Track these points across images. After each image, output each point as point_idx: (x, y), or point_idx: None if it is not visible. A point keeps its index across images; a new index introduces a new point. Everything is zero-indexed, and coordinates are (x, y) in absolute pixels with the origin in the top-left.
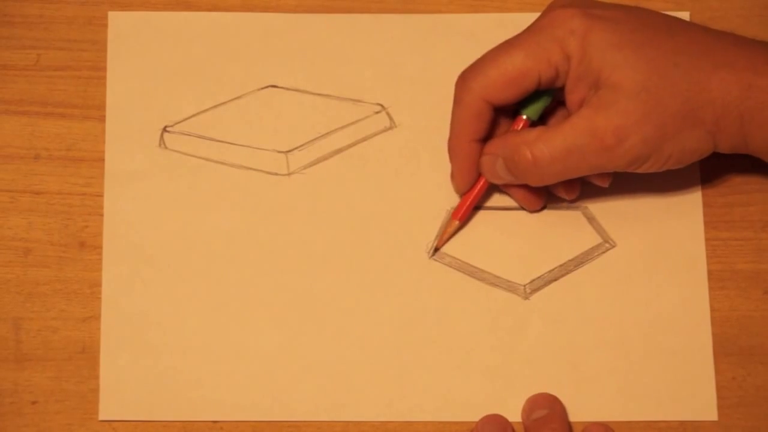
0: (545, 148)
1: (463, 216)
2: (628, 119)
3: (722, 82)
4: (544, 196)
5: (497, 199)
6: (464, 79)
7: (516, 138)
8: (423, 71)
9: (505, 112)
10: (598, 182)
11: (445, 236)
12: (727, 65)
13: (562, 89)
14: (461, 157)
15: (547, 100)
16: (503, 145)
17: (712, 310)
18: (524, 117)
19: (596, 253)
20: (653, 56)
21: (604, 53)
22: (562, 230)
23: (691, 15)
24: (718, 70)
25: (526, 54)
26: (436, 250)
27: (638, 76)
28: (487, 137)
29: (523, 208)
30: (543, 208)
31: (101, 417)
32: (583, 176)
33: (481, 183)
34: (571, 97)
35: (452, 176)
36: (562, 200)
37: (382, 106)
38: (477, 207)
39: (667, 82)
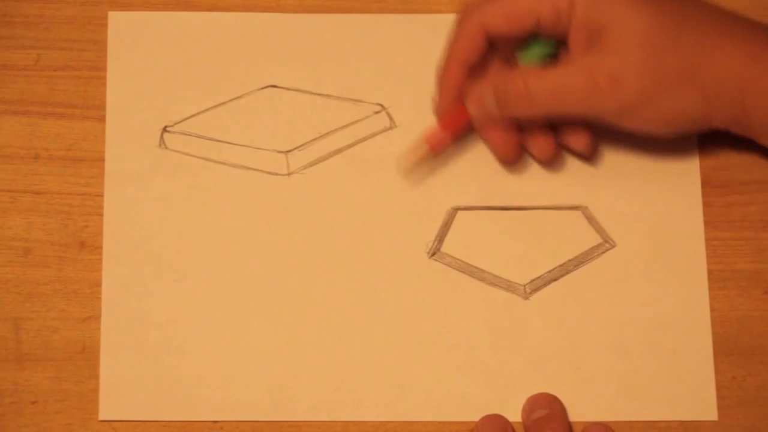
0: (539, 80)
1: (438, 145)
2: (627, 66)
3: (726, 49)
4: (520, 149)
5: (497, 199)
6: (467, 6)
7: (510, 71)
8: (423, 71)
9: (500, 59)
10: (578, 146)
11: (411, 158)
12: (732, 35)
13: (560, 44)
14: (448, 81)
15: (544, 49)
16: (496, 77)
17: (712, 310)
18: (519, 62)
19: (596, 253)
20: (661, 13)
21: (612, 2)
22: (562, 230)
23: None
24: (723, 37)
25: None
26: (405, 163)
27: (643, 28)
28: (476, 68)
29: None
30: (516, 158)
31: (101, 417)
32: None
33: (463, 115)
34: (574, 43)
35: (435, 102)
36: (562, 204)
37: (382, 106)
38: (478, 207)
39: (670, 39)
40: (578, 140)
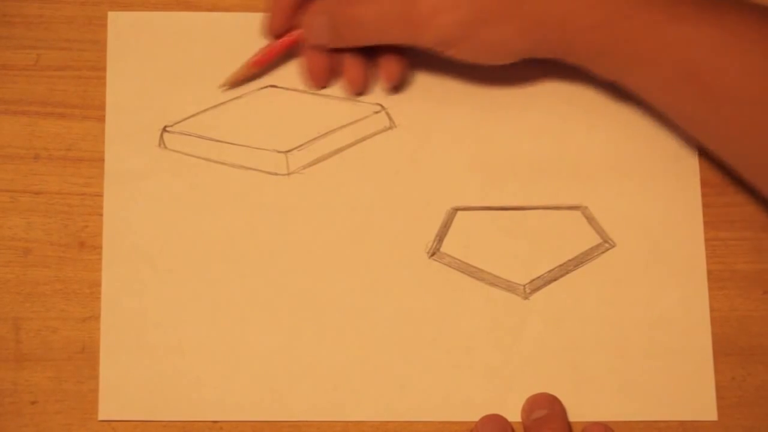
0: (365, 6)
1: (261, 62)
2: None
3: None
4: (332, 73)
5: (497, 199)
6: None
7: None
8: (423, 71)
9: None
10: (387, 77)
11: (237, 77)
12: None
13: None
14: (280, 4)
15: None
16: (327, 1)
17: (712, 310)
18: None
19: (596, 253)
20: None
21: None
22: (562, 230)
23: None
24: None
25: None
26: (223, 85)
27: None
28: None
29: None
30: (327, 83)
31: (101, 417)
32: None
33: (294, 36)
34: None
35: (266, 21)
36: (562, 204)
37: (382, 106)
38: (478, 207)
39: None
40: (388, 70)
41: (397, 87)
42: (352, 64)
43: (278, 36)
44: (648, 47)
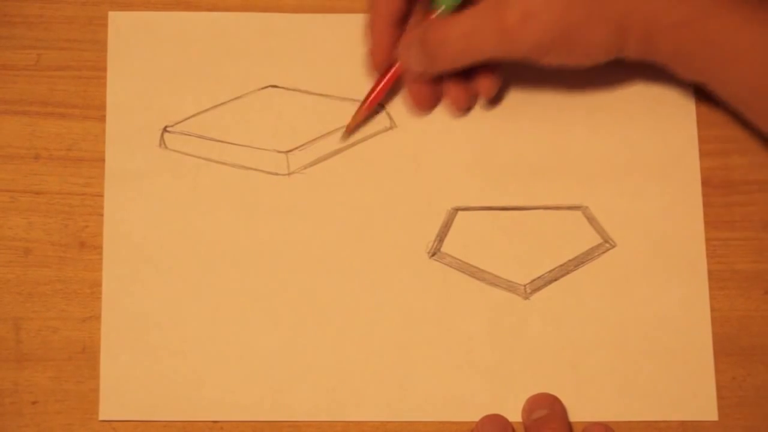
0: (452, 26)
1: (375, 101)
2: (531, 4)
3: None
4: (437, 98)
5: (497, 199)
6: None
7: (429, 21)
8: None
9: (422, 8)
10: (485, 91)
11: (356, 122)
12: None
13: None
14: (377, 38)
15: None
16: (416, 30)
17: (712, 310)
18: (439, 9)
19: (596, 253)
20: None
21: None
22: (562, 230)
23: None
24: None
25: None
26: (349, 127)
27: None
28: (401, 27)
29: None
30: (432, 108)
31: (101, 417)
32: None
33: (397, 70)
34: None
35: (368, 55)
36: (562, 204)
37: (382, 106)
38: (478, 207)
39: None
40: (485, 84)
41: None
42: (452, 86)
43: (381, 70)
44: (731, 48)
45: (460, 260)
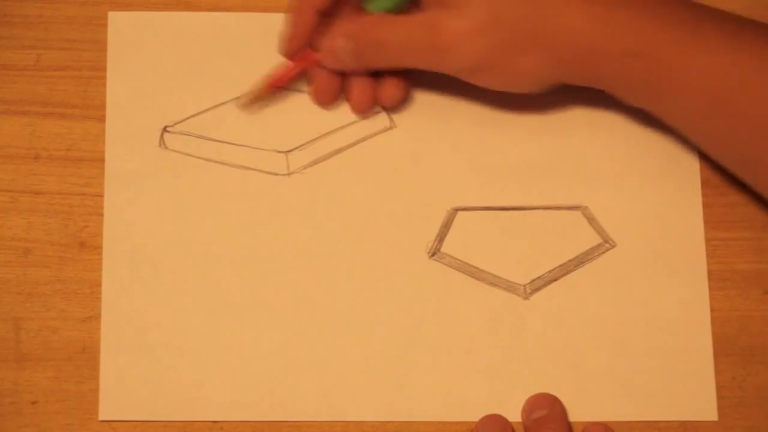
0: (389, 28)
1: (277, 84)
2: (467, 26)
3: (571, 13)
4: (339, 93)
5: (497, 199)
6: None
7: (364, 18)
8: (423, 71)
9: (351, 6)
10: (387, 100)
11: (252, 97)
12: (580, 1)
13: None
14: (297, 20)
15: (390, 1)
16: (350, 25)
17: (712, 310)
18: (373, 9)
19: (596, 253)
20: None
21: None
22: (562, 230)
23: None
24: (571, 3)
25: None
26: (245, 99)
27: None
28: (327, 13)
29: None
30: (333, 103)
31: (101, 417)
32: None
33: (310, 59)
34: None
35: (283, 40)
36: (562, 204)
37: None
38: (478, 207)
39: (514, 3)
40: (390, 92)
41: (394, 107)
42: (359, 86)
43: (292, 56)
44: (674, 76)
45: (459, 260)
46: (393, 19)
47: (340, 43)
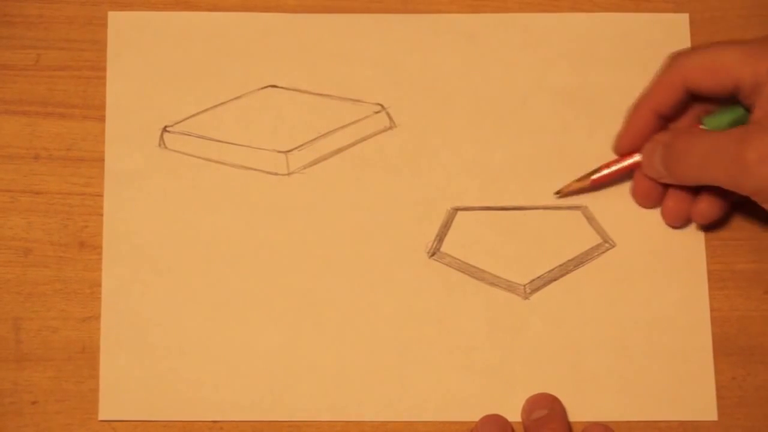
0: (695, 142)
1: (601, 180)
2: None
3: None
4: (660, 199)
5: (497, 199)
6: (675, 54)
7: (680, 128)
8: (423, 71)
9: (692, 116)
10: (700, 217)
11: (571, 189)
12: None
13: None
14: (633, 122)
15: (731, 117)
16: (667, 133)
17: (712, 310)
18: (703, 125)
19: (596, 253)
20: None
21: None
22: (562, 230)
23: (691, 16)
24: None
25: (740, 53)
26: (558, 192)
27: None
28: (665, 122)
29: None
30: (654, 207)
31: (101, 417)
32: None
33: (634, 159)
34: (755, 115)
35: (617, 138)
36: (562, 204)
37: (382, 106)
38: (478, 207)
39: None
40: (703, 208)
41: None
42: (674, 196)
43: (622, 153)
44: None
45: (459, 260)
46: (704, 131)
47: (653, 148)
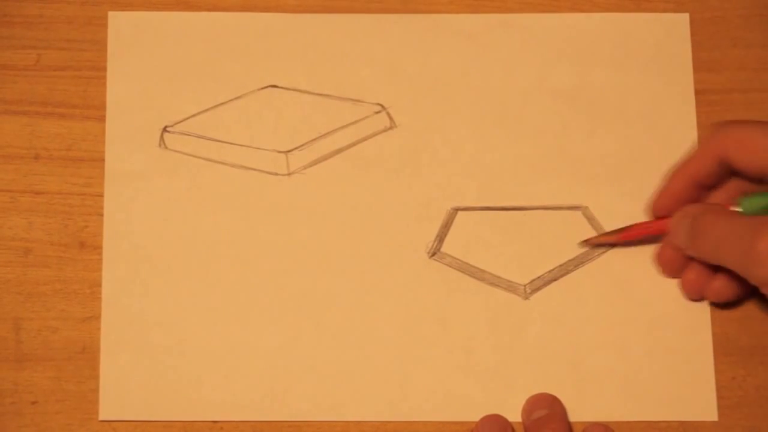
0: (718, 222)
1: (629, 237)
2: None
3: None
4: (682, 268)
5: (497, 199)
6: (719, 124)
7: (709, 203)
8: (423, 71)
9: (729, 192)
10: (713, 291)
11: (599, 241)
12: None
13: None
14: (671, 182)
15: (765, 201)
16: (696, 205)
17: (712, 310)
18: (737, 206)
19: (596, 253)
20: None
21: None
22: (562, 230)
23: (691, 16)
24: None
25: None
26: (585, 242)
27: None
28: (705, 190)
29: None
30: (676, 276)
31: (101, 417)
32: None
33: (665, 226)
34: None
35: (653, 198)
36: (562, 204)
37: (382, 106)
38: (478, 207)
39: None
40: (717, 287)
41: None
42: (693, 269)
43: (656, 215)
44: None
45: (459, 260)
46: (727, 213)
47: (681, 219)
